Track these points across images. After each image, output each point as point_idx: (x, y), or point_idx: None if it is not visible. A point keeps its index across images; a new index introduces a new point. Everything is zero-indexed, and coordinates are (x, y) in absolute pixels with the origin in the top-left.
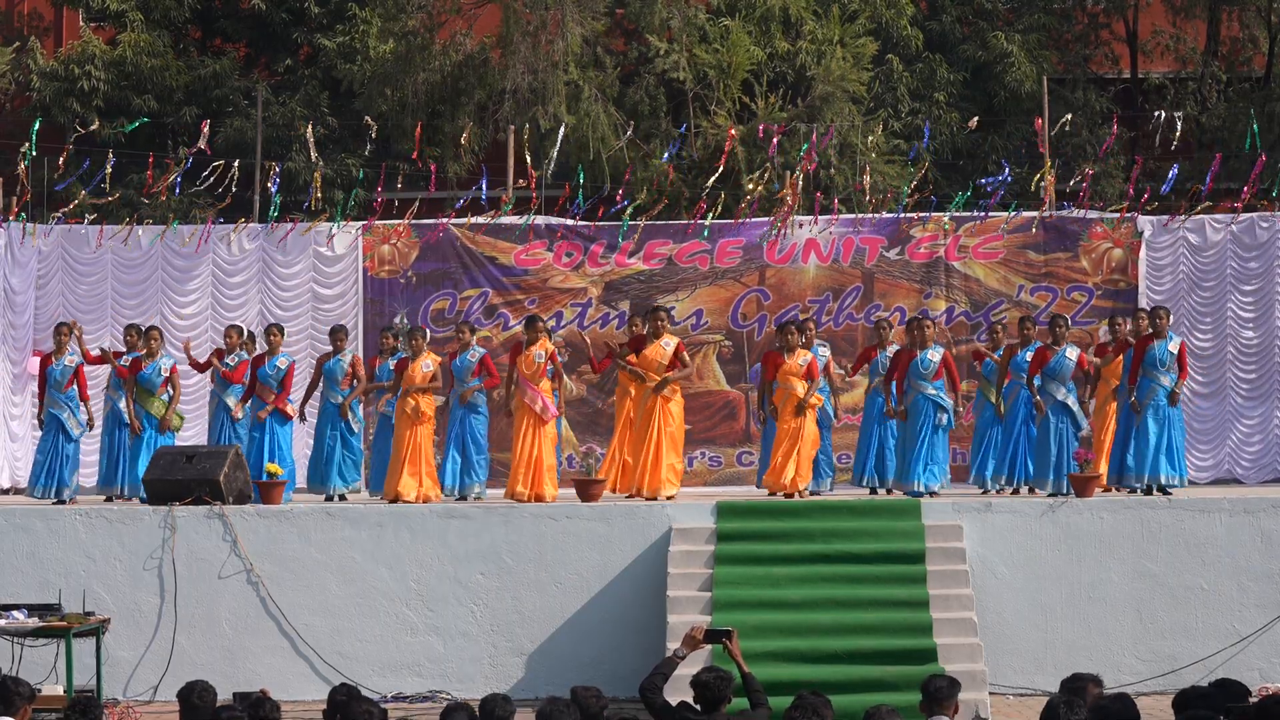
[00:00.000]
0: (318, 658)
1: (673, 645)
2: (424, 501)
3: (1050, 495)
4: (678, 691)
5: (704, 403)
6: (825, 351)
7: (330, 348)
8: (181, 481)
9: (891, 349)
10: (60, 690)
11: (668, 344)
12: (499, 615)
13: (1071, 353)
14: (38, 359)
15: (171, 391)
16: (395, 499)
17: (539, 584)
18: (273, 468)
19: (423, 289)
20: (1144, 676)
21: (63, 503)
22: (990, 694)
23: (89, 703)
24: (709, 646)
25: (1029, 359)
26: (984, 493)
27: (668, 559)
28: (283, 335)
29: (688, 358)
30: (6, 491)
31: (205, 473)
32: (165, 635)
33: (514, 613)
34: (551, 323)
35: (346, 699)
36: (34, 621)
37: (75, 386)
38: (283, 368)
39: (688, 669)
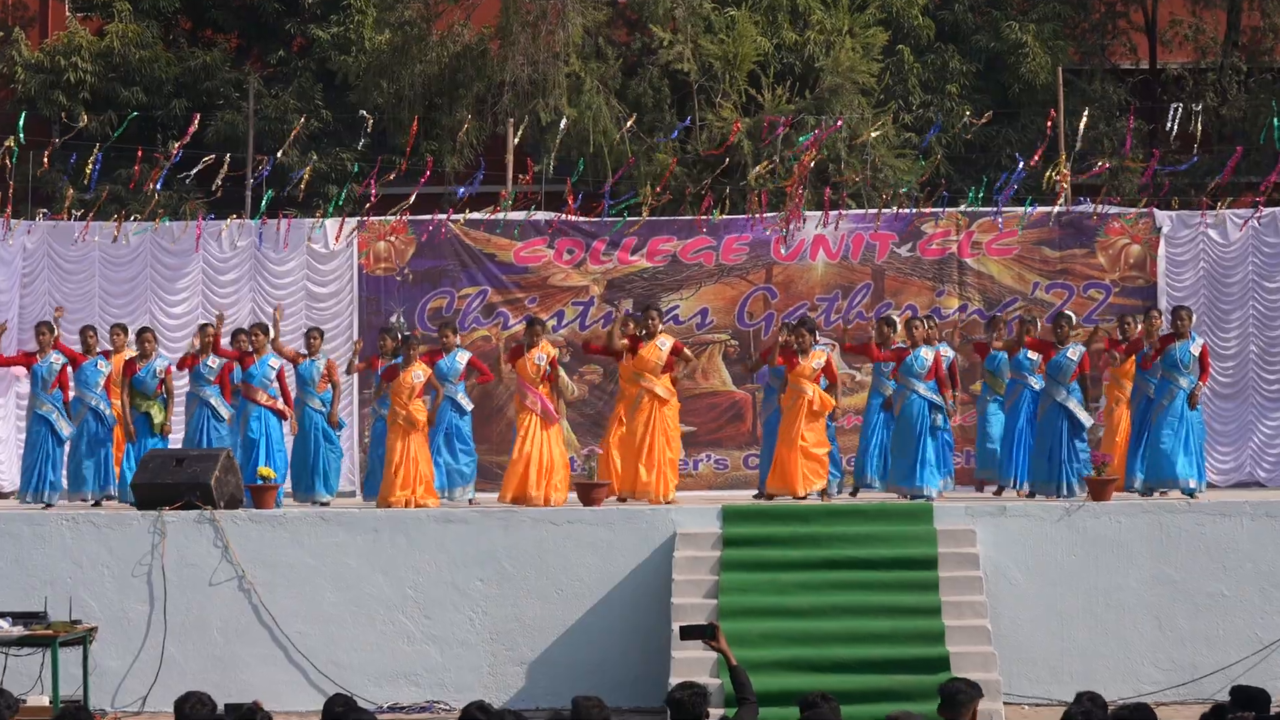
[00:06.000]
0: (311, 667)
1: (677, 654)
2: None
3: (1050, 499)
4: None
5: (709, 403)
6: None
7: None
8: (171, 485)
9: (895, 349)
10: (46, 701)
11: (663, 344)
12: (498, 623)
13: (1073, 352)
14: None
15: (166, 395)
16: (389, 507)
17: (539, 591)
18: (265, 471)
19: (420, 287)
20: (1163, 686)
21: (50, 506)
22: (1005, 704)
23: (76, 713)
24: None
25: (1032, 357)
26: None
27: (672, 565)
28: (268, 335)
29: (689, 353)
30: None
31: (195, 476)
32: (154, 644)
33: (514, 620)
34: (552, 322)
35: (342, 710)
36: (19, 630)
37: (60, 386)
38: (274, 368)
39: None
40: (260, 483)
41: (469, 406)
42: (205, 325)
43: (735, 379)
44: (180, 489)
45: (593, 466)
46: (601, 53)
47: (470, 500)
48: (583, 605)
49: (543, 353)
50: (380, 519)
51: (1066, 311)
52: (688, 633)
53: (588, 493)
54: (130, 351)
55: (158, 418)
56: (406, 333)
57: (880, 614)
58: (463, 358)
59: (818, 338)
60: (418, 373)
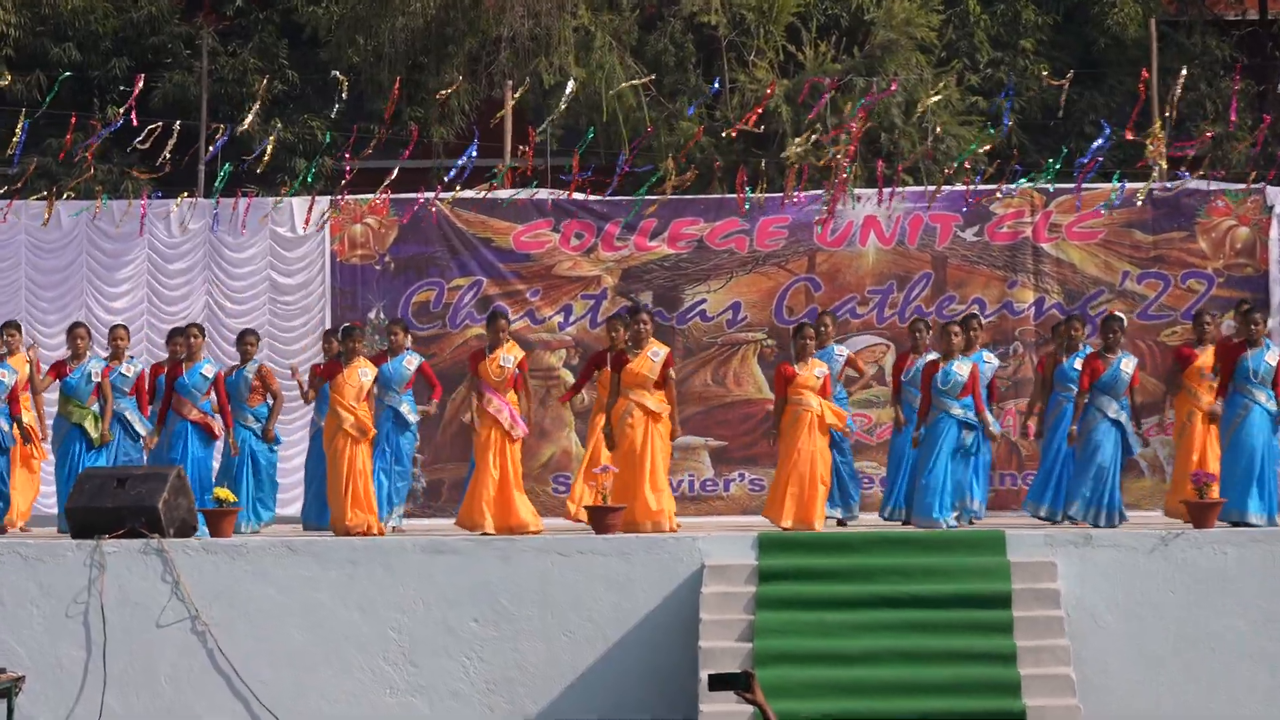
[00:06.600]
0: None
1: (706, 707)
2: (365, 534)
3: (1102, 528)
4: None
5: (742, 414)
6: (843, 352)
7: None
8: (111, 509)
9: (930, 356)
10: None
11: (656, 354)
12: (496, 670)
13: (1127, 363)
14: None
15: (103, 401)
16: (345, 534)
17: (544, 632)
18: (222, 493)
19: (403, 277)
20: None
21: None
22: None
23: None
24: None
25: (1078, 367)
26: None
27: (700, 603)
28: (203, 337)
29: (673, 374)
30: None
31: (140, 499)
32: (92, 696)
33: (514, 667)
34: (558, 318)
35: None
36: None
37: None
38: (208, 375)
39: None
40: (217, 506)
41: (413, 420)
42: (118, 327)
43: (772, 386)
44: (122, 514)
45: (607, 487)
46: (615, 3)
47: (395, 528)
48: (595, 649)
49: (509, 353)
50: (357, 549)
51: (1116, 313)
52: (718, 682)
53: (601, 518)
54: (24, 356)
55: (93, 430)
56: (348, 324)
57: (944, 661)
58: (411, 362)
59: (828, 339)
60: (364, 370)
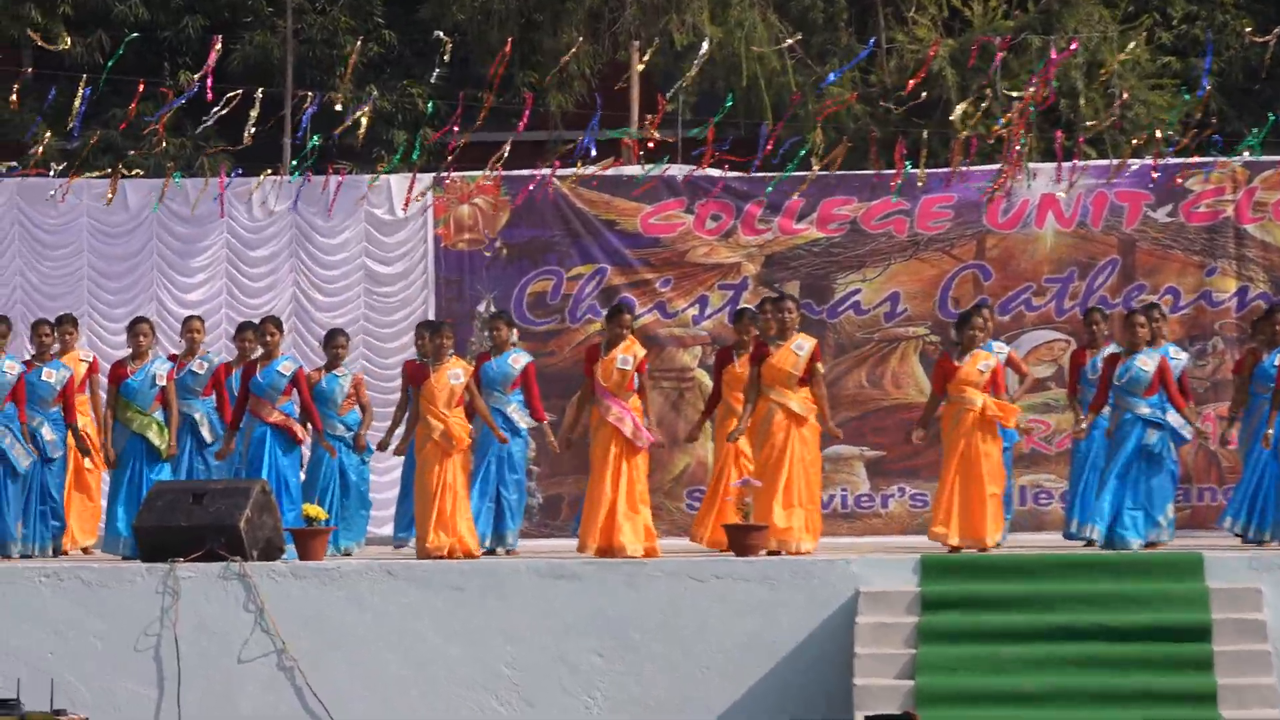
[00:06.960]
0: None
1: None
2: (459, 557)
3: None
4: None
5: (901, 420)
6: (1003, 349)
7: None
8: (187, 529)
9: (1110, 348)
10: None
11: (800, 346)
12: (622, 707)
13: None
14: None
15: (166, 409)
16: (426, 557)
17: (676, 667)
18: (312, 510)
19: (516, 265)
20: None
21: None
22: None
23: None
24: None
25: (1279, 364)
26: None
27: (854, 634)
28: (281, 333)
29: (822, 368)
30: None
31: (220, 517)
32: None
33: (641, 705)
34: (693, 311)
35: None
36: None
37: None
38: (286, 374)
39: None
40: (306, 525)
41: (524, 425)
42: (192, 319)
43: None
44: (199, 534)
45: (749, 503)
46: None
47: (508, 551)
48: (735, 688)
49: (628, 353)
50: (464, 573)
51: None
52: None
53: (742, 538)
54: (82, 355)
55: (158, 440)
56: (434, 320)
57: (1134, 701)
58: (519, 360)
59: (987, 335)
60: (455, 372)
